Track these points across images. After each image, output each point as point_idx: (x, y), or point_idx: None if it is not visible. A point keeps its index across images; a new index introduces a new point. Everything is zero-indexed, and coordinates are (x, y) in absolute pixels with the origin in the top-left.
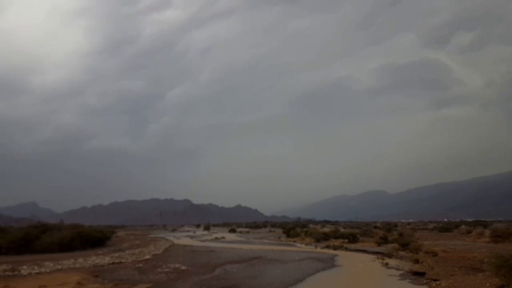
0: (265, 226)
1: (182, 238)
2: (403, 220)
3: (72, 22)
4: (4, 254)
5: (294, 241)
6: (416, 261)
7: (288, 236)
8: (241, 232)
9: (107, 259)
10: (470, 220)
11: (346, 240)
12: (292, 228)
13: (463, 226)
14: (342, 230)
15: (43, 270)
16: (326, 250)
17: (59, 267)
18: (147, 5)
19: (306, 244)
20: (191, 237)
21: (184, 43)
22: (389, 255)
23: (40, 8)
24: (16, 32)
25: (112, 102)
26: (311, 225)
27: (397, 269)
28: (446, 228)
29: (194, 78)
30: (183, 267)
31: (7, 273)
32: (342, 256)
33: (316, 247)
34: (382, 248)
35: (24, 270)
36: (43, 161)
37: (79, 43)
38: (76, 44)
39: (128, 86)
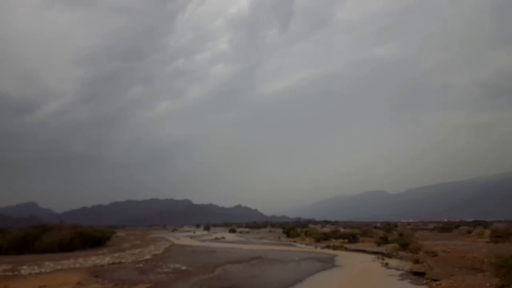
0: (265, 226)
1: (182, 238)
2: (403, 220)
3: None
4: (4, 254)
5: (294, 241)
6: (416, 261)
7: (288, 236)
8: (241, 232)
9: (107, 259)
10: (470, 220)
11: (346, 240)
12: (292, 228)
13: (463, 226)
14: (342, 230)
15: (43, 270)
16: (326, 250)
17: (59, 267)
18: None
19: (306, 244)
20: (191, 237)
21: None
22: (389, 255)
23: None
24: None
25: None
26: (311, 225)
27: (397, 269)
28: (446, 228)
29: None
30: (183, 267)
31: (7, 273)
32: (342, 256)
33: (316, 247)
34: (382, 248)
35: (24, 270)
36: (44, 161)
37: None
38: None
39: None
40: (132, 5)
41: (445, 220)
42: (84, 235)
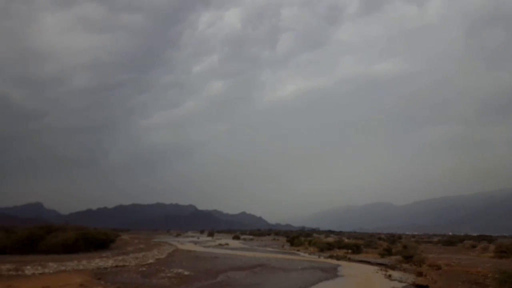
0: (269, 234)
1: (186, 244)
2: (407, 233)
3: None
4: (8, 254)
5: (298, 250)
6: (420, 274)
7: (292, 244)
8: (245, 239)
9: (110, 262)
10: (474, 234)
11: (349, 251)
12: (296, 237)
13: (467, 241)
14: (346, 240)
15: (46, 270)
16: (329, 260)
17: (63, 268)
18: None
19: (310, 253)
20: (195, 242)
21: None
22: (393, 267)
23: None
24: None
25: None
26: (315, 235)
27: (400, 281)
28: (451, 241)
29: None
30: (186, 273)
31: (11, 272)
32: (345, 267)
33: (319, 256)
34: (385, 260)
35: (28, 270)
36: (50, 163)
37: None
38: None
39: None
40: (143, 28)
41: (450, 233)
42: (88, 237)
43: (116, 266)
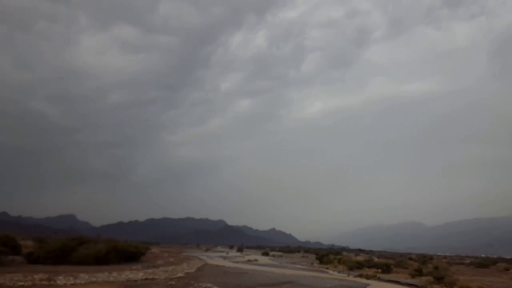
0: (298, 251)
1: (215, 258)
2: (439, 253)
3: None
4: (41, 264)
5: (327, 268)
6: None
7: (321, 262)
8: (274, 255)
9: (140, 275)
10: (508, 257)
11: (379, 270)
12: (326, 255)
13: (501, 263)
14: (376, 259)
15: (78, 281)
16: (358, 279)
17: (94, 279)
18: None
19: (339, 272)
20: (224, 257)
21: None
22: None
23: None
24: None
25: None
26: (344, 253)
27: None
28: (483, 264)
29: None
30: (215, 287)
31: (43, 282)
32: (374, 286)
33: (348, 275)
34: (416, 280)
35: (60, 280)
36: (84, 175)
37: None
38: None
39: None
40: (175, 48)
41: (483, 255)
42: (119, 249)
43: (146, 279)
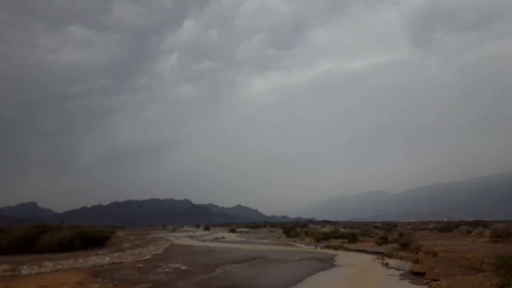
0: (265, 226)
1: (182, 238)
2: (403, 220)
3: None
4: (4, 254)
5: (294, 241)
6: (416, 261)
7: (288, 236)
8: (241, 232)
9: (107, 259)
10: (470, 220)
11: (346, 240)
12: (292, 228)
13: (463, 226)
14: (342, 230)
15: (43, 270)
16: (326, 250)
17: (59, 267)
18: None
19: (306, 244)
20: (191, 237)
21: None
22: (389, 255)
23: None
24: None
25: None
26: (311, 225)
27: (397, 269)
28: (446, 228)
29: None
30: (183, 267)
31: (7, 273)
32: (342, 256)
33: (316, 247)
34: (382, 248)
35: (24, 270)
36: (44, 161)
37: None
38: None
39: None
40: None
41: (445, 220)
42: (84, 235)
43: (113, 263)
